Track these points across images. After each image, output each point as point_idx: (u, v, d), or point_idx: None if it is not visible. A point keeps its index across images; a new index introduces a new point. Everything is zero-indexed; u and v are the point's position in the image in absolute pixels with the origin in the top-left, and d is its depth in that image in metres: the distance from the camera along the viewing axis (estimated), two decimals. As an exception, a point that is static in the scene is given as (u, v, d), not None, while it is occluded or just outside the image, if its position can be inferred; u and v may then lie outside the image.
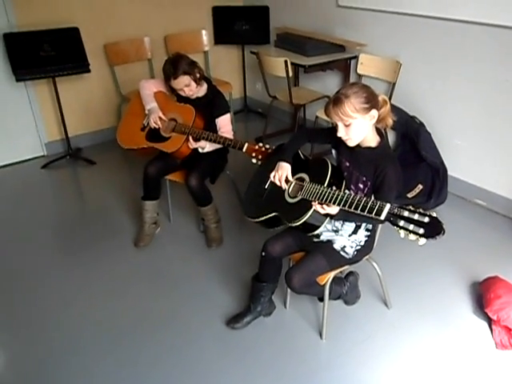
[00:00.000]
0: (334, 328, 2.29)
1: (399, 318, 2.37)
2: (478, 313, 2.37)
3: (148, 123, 2.87)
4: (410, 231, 1.55)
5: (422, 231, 1.53)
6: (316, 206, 1.83)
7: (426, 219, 1.53)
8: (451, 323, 2.33)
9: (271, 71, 3.77)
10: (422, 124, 3.27)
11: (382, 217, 1.64)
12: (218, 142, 2.65)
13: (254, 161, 2.53)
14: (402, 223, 1.58)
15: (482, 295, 2.37)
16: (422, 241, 1.54)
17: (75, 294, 2.62)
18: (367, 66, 3.62)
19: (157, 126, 2.81)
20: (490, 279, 2.39)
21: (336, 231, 2.10)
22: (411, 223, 1.55)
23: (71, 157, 4.18)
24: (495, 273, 2.48)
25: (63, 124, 4.05)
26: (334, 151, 2.16)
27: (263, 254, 2.13)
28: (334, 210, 1.80)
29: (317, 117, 3.62)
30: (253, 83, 5.03)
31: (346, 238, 2.08)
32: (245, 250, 2.91)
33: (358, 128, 1.87)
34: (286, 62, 3.53)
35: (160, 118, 2.81)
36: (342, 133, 1.87)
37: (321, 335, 2.27)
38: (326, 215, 1.87)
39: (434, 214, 1.54)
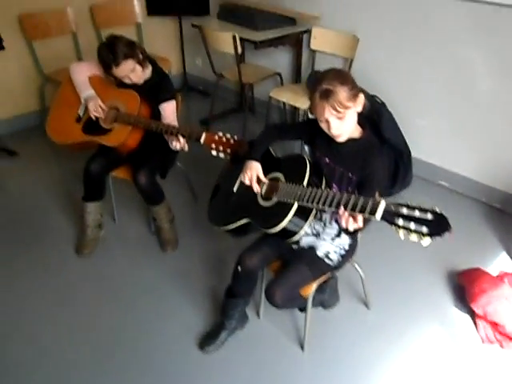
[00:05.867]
0: (314, 336, 2.09)
1: (380, 319, 2.22)
2: (459, 306, 2.27)
3: (84, 113, 2.46)
4: (412, 230, 1.35)
5: (425, 229, 1.31)
6: (343, 218, 1.46)
7: (429, 216, 1.33)
8: (434, 319, 2.22)
9: (217, 47, 3.41)
10: (383, 104, 3.08)
11: (378, 216, 1.41)
12: (171, 133, 2.30)
13: (214, 153, 2.21)
14: (400, 222, 1.37)
15: (463, 288, 2.27)
16: (426, 241, 1.32)
17: (7, 314, 2.23)
18: (321, 40, 3.35)
19: (98, 115, 2.41)
20: (471, 272, 2.29)
21: (317, 235, 1.88)
22: (412, 221, 1.35)
23: (-13, 148, 3.62)
24: (466, 257, 2.43)
25: (-25, 110, 3.48)
26: (307, 147, 1.92)
27: (239, 268, 1.86)
28: (360, 222, 1.47)
29: (270, 97, 3.34)
30: (192, 58, 4.62)
31: (328, 242, 1.86)
32: (203, 251, 2.63)
33: (351, 119, 1.65)
34: (234, 37, 3.19)
35: (100, 107, 2.41)
36: (335, 129, 1.62)
37: (302, 347, 2.07)
38: (344, 230, 1.54)
39: (437, 210, 1.34)
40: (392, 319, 2.21)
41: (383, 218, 1.41)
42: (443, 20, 2.79)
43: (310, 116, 1.81)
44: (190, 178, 2.95)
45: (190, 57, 4.61)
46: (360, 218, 1.44)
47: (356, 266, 2.07)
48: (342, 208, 1.46)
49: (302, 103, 3.17)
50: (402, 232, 1.36)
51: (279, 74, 3.67)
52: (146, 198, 2.52)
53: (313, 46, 3.42)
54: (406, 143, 3.04)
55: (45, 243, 2.70)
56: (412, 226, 1.33)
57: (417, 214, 1.35)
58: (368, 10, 3.11)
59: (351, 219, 1.45)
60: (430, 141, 3.14)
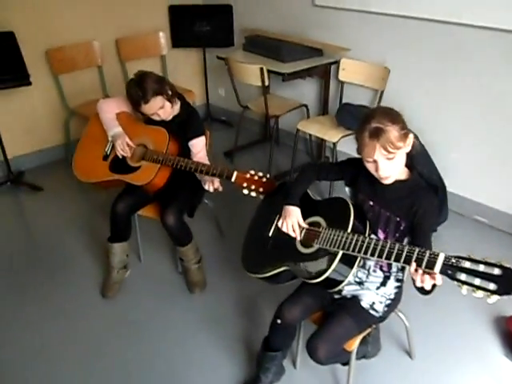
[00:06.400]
0: (356, 390, 1.95)
1: (425, 370, 2.06)
2: (510, 356, 2.11)
3: (111, 151, 2.40)
4: (477, 287, 1.23)
5: (492, 286, 1.20)
6: (417, 276, 1.34)
7: (497, 271, 1.21)
8: (482, 371, 2.05)
9: (243, 79, 3.36)
10: (416, 136, 2.97)
11: (437, 270, 1.31)
12: (201, 172, 2.21)
13: (245, 192, 2.12)
14: (463, 277, 1.25)
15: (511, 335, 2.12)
16: (494, 298, 1.21)
17: (30, 357, 2.13)
18: (350, 72, 3.28)
19: (125, 154, 2.34)
20: (520, 318, 2.14)
21: (360, 283, 1.76)
22: (476, 276, 1.24)
23: (12, 183, 3.58)
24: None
25: (1, 144, 3.45)
26: (348, 189, 1.81)
27: (278, 321, 1.74)
28: (438, 279, 1.33)
29: (298, 130, 3.25)
30: (215, 89, 4.59)
31: (373, 291, 1.73)
32: (233, 292, 2.51)
33: (400, 160, 1.55)
34: (261, 69, 3.13)
35: (127, 145, 2.34)
36: (384, 170, 1.52)
37: (342, 402, 1.93)
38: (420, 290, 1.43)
39: (506, 264, 1.23)
40: (437, 371, 2.05)
41: (443, 272, 1.31)
42: (477, 50, 2.70)
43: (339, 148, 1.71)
44: (217, 215, 2.86)
45: (212, 87, 4.58)
46: (438, 273, 1.31)
47: (400, 315, 1.93)
48: (413, 265, 1.35)
49: (331, 136, 3.08)
50: (465, 288, 1.25)
51: (305, 106, 3.60)
52: (173, 239, 2.43)
53: (341, 78, 3.34)
54: (440, 177, 2.94)
55: (69, 282, 2.61)
56: (477, 282, 1.23)
57: (481, 268, 1.25)
58: (399, 41, 3.03)
59: (427, 276, 1.32)
60: (465, 174, 3.01)
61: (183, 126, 2.39)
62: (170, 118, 2.33)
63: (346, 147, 3.38)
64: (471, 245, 2.81)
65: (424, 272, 1.34)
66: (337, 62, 3.35)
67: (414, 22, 2.90)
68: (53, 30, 3.58)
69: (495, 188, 2.91)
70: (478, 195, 3.00)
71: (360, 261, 1.63)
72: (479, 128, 2.86)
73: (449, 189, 2.99)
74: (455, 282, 1.28)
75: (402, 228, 1.63)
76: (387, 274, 1.74)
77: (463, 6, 2.64)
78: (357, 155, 1.61)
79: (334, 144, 3.10)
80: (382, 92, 3.12)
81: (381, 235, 1.67)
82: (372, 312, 1.71)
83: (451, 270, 1.29)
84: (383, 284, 1.74)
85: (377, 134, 1.46)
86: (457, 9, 2.67)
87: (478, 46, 2.70)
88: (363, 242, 1.52)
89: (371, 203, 1.69)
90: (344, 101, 3.36)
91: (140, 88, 2.17)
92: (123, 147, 2.32)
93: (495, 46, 2.62)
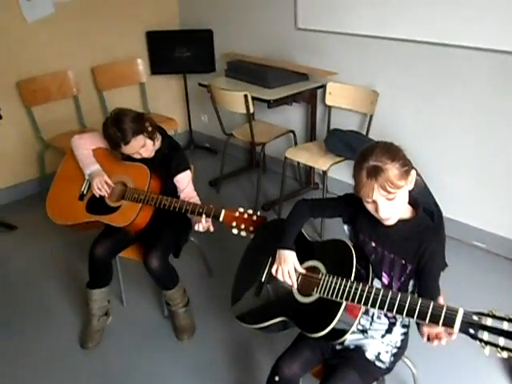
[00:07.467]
0: None
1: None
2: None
3: (88, 190, 2.24)
4: (502, 348, 1.11)
5: None
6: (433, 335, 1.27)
7: None
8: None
9: (227, 106, 3.23)
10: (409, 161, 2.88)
11: (455, 328, 1.18)
12: (186, 211, 2.06)
13: (234, 231, 1.98)
14: (486, 336, 1.13)
15: None
16: None
17: None
18: (337, 96, 3.18)
19: (103, 194, 2.18)
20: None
21: (363, 331, 1.61)
22: (500, 335, 1.12)
23: (-16, 221, 3.38)
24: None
25: (-29, 181, 3.26)
26: (346, 227, 1.67)
27: (277, 378, 1.57)
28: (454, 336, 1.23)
29: (286, 158, 3.12)
30: (197, 115, 4.45)
31: (378, 340, 1.58)
32: (223, 336, 2.33)
33: (402, 199, 1.42)
34: (246, 96, 3.01)
35: (106, 183, 2.18)
36: (384, 211, 1.39)
37: None
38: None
39: None
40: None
41: (462, 330, 1.17)
42: (470, 71, 2.62)
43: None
44: (203, 252, 2.69)
45: (195, 114, 4.44)
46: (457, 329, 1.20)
47: (406, 361, 1.77)
48: (424, 329, 1.25)
49: (321, 164, 2.94)
50: (488, 348, 1.13)
51: (293, 132, 3.48)
52: (158, 283, 2.25)
53: (328, 102, 3.24)
54: (435, 203, 2.82)
55: (45, 331, 2.41)
56: (501, 342, 1.11)
57: (505, 326, 1.13)
58: (388, 63, 2.94)
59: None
60: (462, 199, 2.90)
61: (166, 162, 2.25)
62: (152, 155, 2.19)
63: (337, 174, 3.27)
64: (470, 271, 2.70)
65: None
66: (323, 86, 3.25)
67: (402, 44, 2.81)
68: (24, 61, 3.42)
69: (493, 213, 2.81)
70: (476, 220, 2.89)
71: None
72: (474, 152, 2.76)
73: (445, 214, 2.88)
74: (477, 342, 1.16)
75: (407, 271, 1.49)
76: (392, 320, 1.60)
77: (453, 28, 2.56)
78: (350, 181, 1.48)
79: (324, 172, 2.98)
80: (372, 116, 3.02)
81: (385, 279, 1.53)
82: (378, 364, 1.56)
83: (472, 327, 1.16)
84: (389, 331, 1.59)
85: (375, 173, 1.34)
86: (447, 30, 2.58)
87: (470, 68, 2.61)
88: (370, 292, 1.38)
89: (373, 244, 1.55)
90: (332, 126, 3.25)
91: (118, 129, 2.02)
92: (101, 186, 2.16)
93: (489, 67, 2.54)
